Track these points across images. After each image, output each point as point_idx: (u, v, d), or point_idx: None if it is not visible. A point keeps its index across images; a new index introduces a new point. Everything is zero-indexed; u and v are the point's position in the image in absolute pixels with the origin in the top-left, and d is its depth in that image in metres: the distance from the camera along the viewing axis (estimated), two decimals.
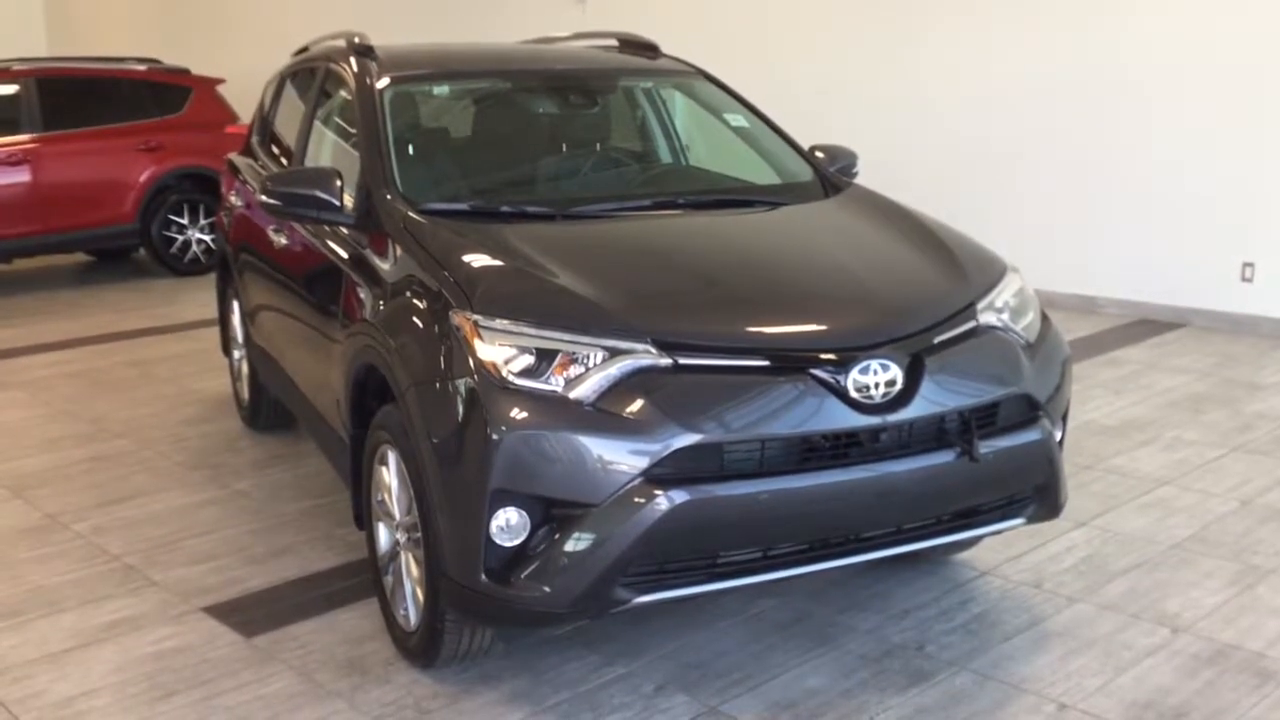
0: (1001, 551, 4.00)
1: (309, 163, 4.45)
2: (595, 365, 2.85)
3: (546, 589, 2.81)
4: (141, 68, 10.00)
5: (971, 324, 3.22)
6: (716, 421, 2.80)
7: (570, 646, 3.41)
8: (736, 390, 2.86)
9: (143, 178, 9.58)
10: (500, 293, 3.06)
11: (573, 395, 2.82)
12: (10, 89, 9.28)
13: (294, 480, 4.89)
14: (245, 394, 5.56)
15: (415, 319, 3.16)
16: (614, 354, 2.87)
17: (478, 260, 3.23)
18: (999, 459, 3.08)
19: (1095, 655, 3.35)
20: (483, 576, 2.86)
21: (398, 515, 3.30)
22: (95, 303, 8.92)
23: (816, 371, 2.90)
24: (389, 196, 3.63)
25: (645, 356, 2.87)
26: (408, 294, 3.25)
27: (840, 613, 3.62)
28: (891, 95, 8.47)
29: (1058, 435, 3.42)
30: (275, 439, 5.45)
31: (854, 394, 2.90)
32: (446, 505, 2.92)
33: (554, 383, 2.84)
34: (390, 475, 3.30)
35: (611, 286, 3.08)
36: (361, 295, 3.56)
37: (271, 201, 3.72)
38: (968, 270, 3.42)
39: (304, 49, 5.27)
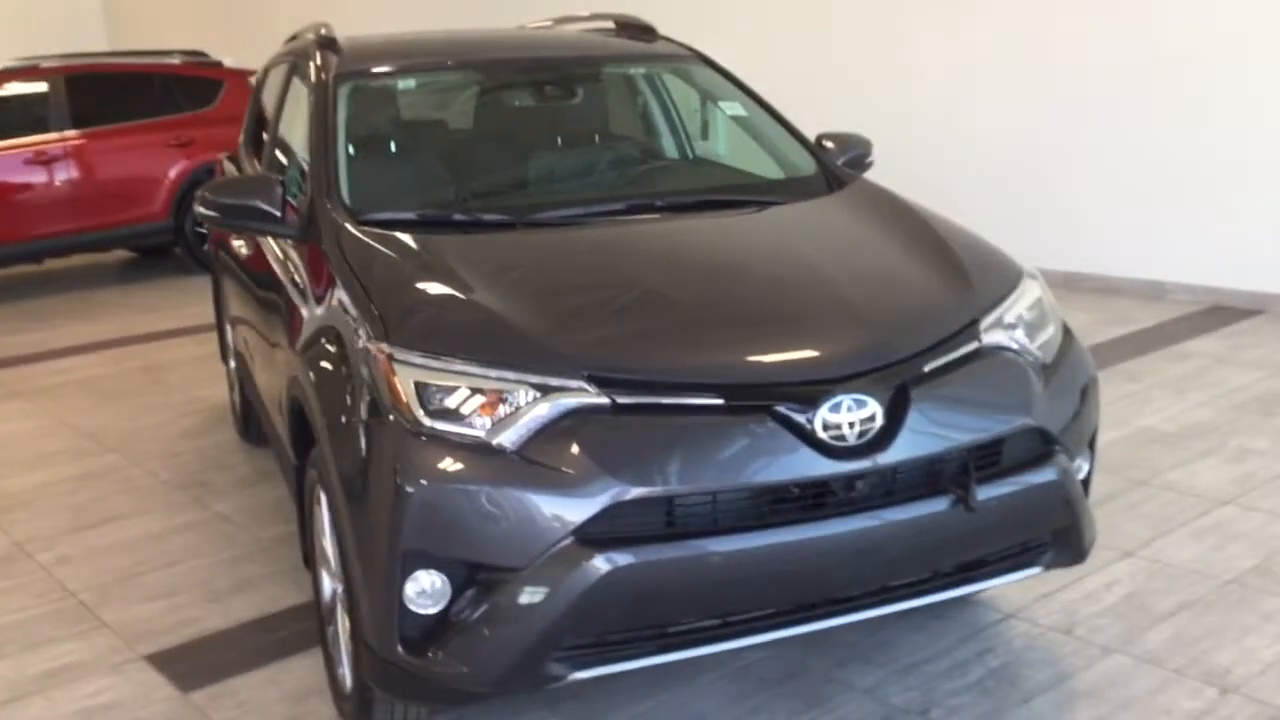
0: (1031, 588, 3.54)
1: (271, 167, 4.12)
2: (524, 406, 2.47)
3: (465, 667, 2.45)
4: (174, 61, 9.81)
5: (973, 345, 2.78)
6: (659, 472, 2.41)
7: (530, 707, 3.05)
8: (684, 434, 2.46)
9: (174, 174, 9.39)
10: (420, 322, 2.70)
11: (496, 441, 2.45)
12: (38, 87, 9.14)
13: (275, 501, 4.59)
14: (237, 404, 5.30)
15: (333, 349, 2.82)
16: (545, 392, 2.49)
17: (403, 282, 2.87)
18: (1004, 505, 2.65)
19: None
20: (399, 648, 2.50)
21: (332, 564, 2.97)
22: (125, 303, 8.77)
23: (780, 409, 2.49)
24: (329, 206, 3.29)
25: (579, 395, 2.49)
26: (330, 320, 2.91)
27: (839, 666, 3.21)
28: (946, 71, 7.92)
29: (1083, 468, 2.97)
30: (266, 453, 5.16)
31: (823, 436, 2.48)
32: (359, 564, 2.58)
33: (476, 426, 2.47)
34: (324, 519, 2.96)
35: (548, 312, 2.70)
36: (295, 317, 3.22)
37: (208, 213, 3.39)
38: (974, 281, 2.98)
39: (293, 38, 4.94)
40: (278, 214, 3.33)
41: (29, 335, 7.78)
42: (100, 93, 9.36)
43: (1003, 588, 3.51)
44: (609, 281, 2.95)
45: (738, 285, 2.91)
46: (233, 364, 5.40)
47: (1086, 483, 3.04)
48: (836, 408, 2.50)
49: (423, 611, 2.47)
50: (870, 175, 3.89)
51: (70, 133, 9.10)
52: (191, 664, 3.41)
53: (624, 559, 2.38)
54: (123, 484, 4.90)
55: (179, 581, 3.95)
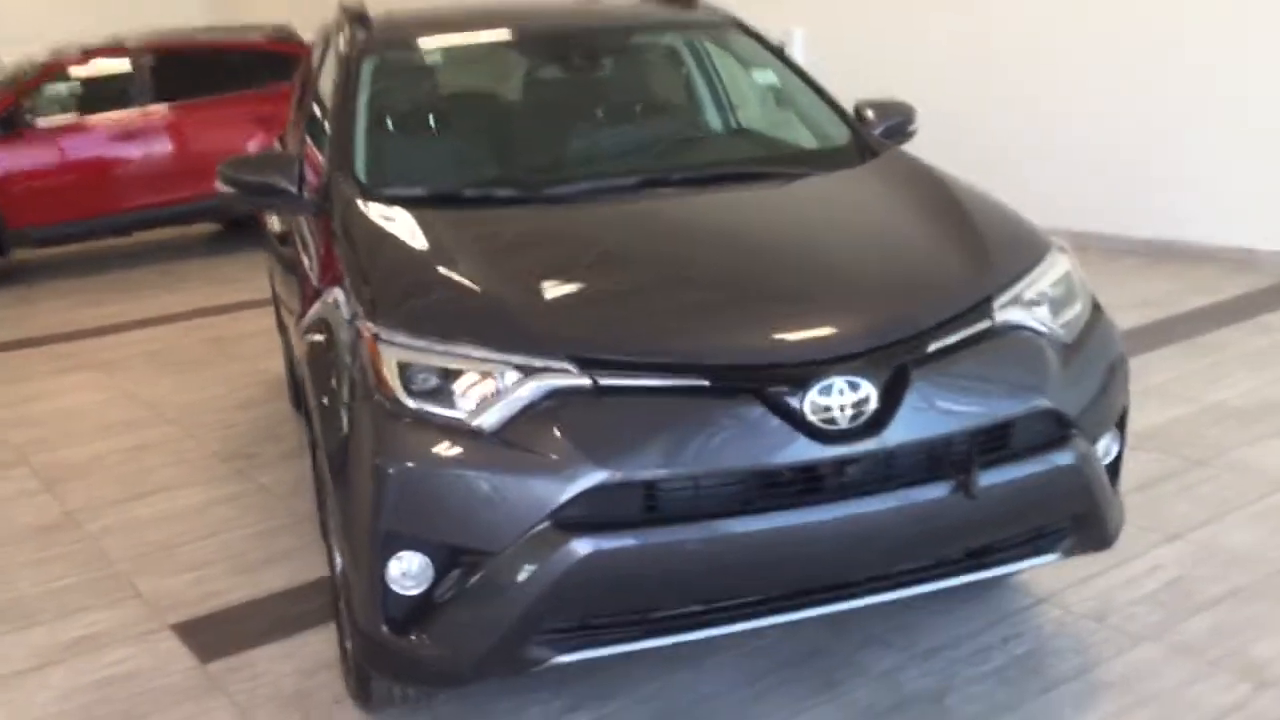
0: (1068, 573, 3.38)
1: (302, 142, 4.13)
2: (506, 387, 2.42)
3: (443, 650, 2.42)
4: (257, 37, 9.94)
5: (985, 324, 2.64)
6: (639, 455, 2.34)
7: (535, 687, 3.01)
8: (667, 416, 2.39)
9: (252, 148, 9.52)
10: (409, 301, 2.66)
11: (477, 423, 2.41)
12: (123, 64, 9.35)
13: None
14: (286, 374, 5.37)
15: (328, 326, 2.80)
16: (528, 373, 2.43)
17: (400, 261, 2.83)
18: (1012, 491, 2.52)
19: (1150, 717, 2.76)
20: (384, 628, 2.49)
21: None
22: (206, 275, 8.94)
23: (767, 392, 2.40)
24: (342, 181, 3.27)
25: (561, 376, 2.42)
26: (328, 296, 2.89)
27: (858, 649, 3.11)
28: (1023, 39, 7.62)
29: (1111, 450, 2.82)
30: None
31: (812, 419, 2.39)
32: (345, 543, 2.56)
33: (459, 408, 2.43)
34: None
35: (539, 292, 2.63)
36: (304, 291, 3.22)
37: (227, 189, 3.40)
38: (993, 256, 2.83)
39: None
40: (294, 190, 3.32)
41: (109, 307, 7.99)
42: (184, 68, 9.55)
43: (1037, 571, 3.36)
44: (610, 259, 2.88)
45: (741, 263, 2.82)
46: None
47: (1116, 465, 2.89)
48: (827, 390, 2.40)
49: (406, 592, 2.45)
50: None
51: (155, 108, 9.30)
52: (214, 635, 3.45)
53: (602, 544, 2.32)
54: (174, 456, 4.99)
55: (213, 554, 4.00)
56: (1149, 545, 3.54)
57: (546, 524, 2.32)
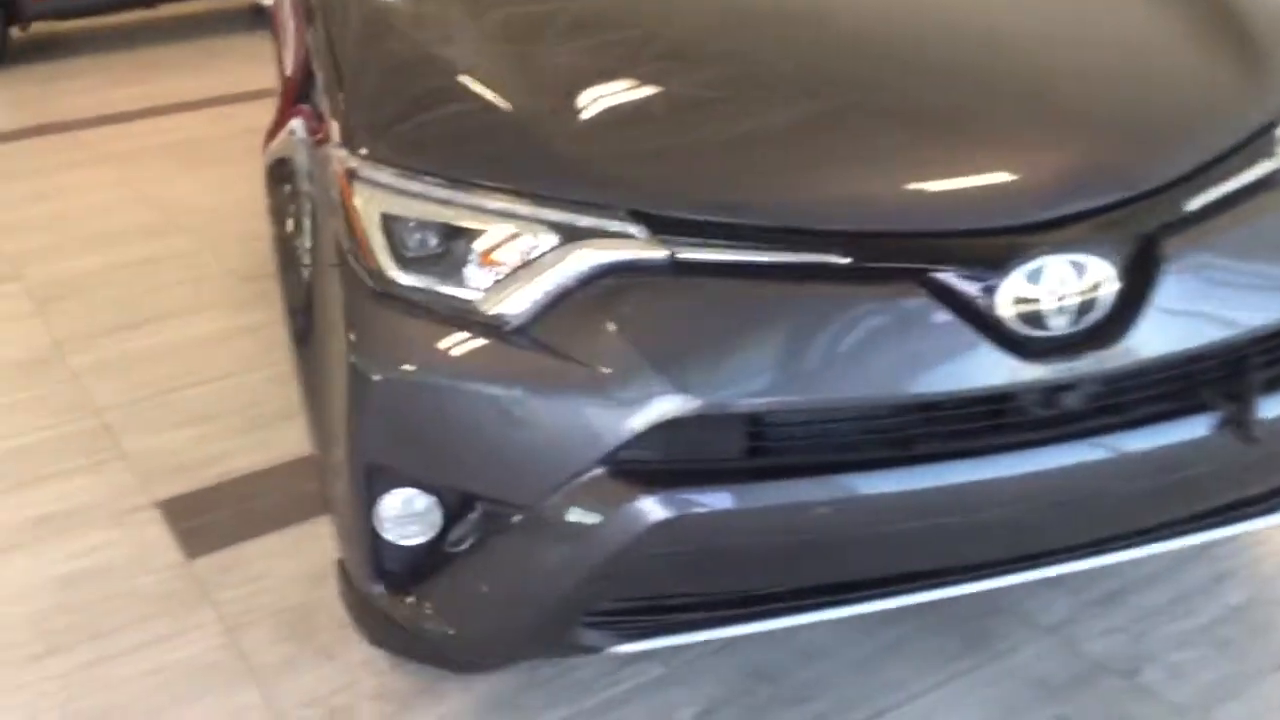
0: None
1: None
2: (538, 256, 1.63)
3: (453, 625, 1.71)
4: None
5: (1267, 166, 1.77)
6: (739, 373, 1.55)
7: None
8: (783, 313, 1.58)
9: None
10: (401, 120, 1.84)
11: (495, 311, 1.62)
12: None
13: None
14: None
15: (292, 152, 2.00)
16: (570, 235, 1.62)
17: (389, 58, 1.98)
18: None
19: None
20: (375, 585, 1.78)
21: None
22: (244, 52, 8.06)
23: (941, 275, 1.58)
24: None
25: (623, 242, 1.61)
26: (298, 110, 2.08)
27: (1027, 596, 2.37)
28: None
29: None
30: None
31: (1011, 321, 1.57)
32: (324, 464, 1.84)
33: (469, 285, 1.64)
34: None
35: (592, 109, 1.79)
36: (281, 97, 2.42)
37: None
38: (1276, 62, 1.93)
39: None
40: None
41: (133, 89, 7.18)
42: None
43: None
44: (700, 58, 1.98)
45: (900, 70, 1.92)
46: None
47: None
48: (1037, 275, 1.57)
49: (403, 541, 1.73)
50: None
51: None
52: (206, 517, 2.82)
53: (682, 507, 1.56)
54: (187, 272, 4.30)
55: (219, 401, 3.34)
56: None
57: (601, 471, 1.57)
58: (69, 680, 2.31)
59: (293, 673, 2.30)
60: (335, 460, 1.74)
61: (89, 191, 5.31)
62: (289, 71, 2.60)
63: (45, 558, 2.69)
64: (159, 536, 2.76)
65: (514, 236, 1.62)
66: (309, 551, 2.65)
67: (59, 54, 8.36)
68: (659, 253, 1.60)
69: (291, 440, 3.08)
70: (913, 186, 1.68)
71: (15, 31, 8.01)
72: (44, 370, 3.60)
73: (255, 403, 3.33)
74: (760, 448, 1.60)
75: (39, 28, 8.40)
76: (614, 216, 1.60)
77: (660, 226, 1.60)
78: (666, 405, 1.52)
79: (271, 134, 2.57)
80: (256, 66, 7.48)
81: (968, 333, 1.55)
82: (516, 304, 1.61)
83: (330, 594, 2.47)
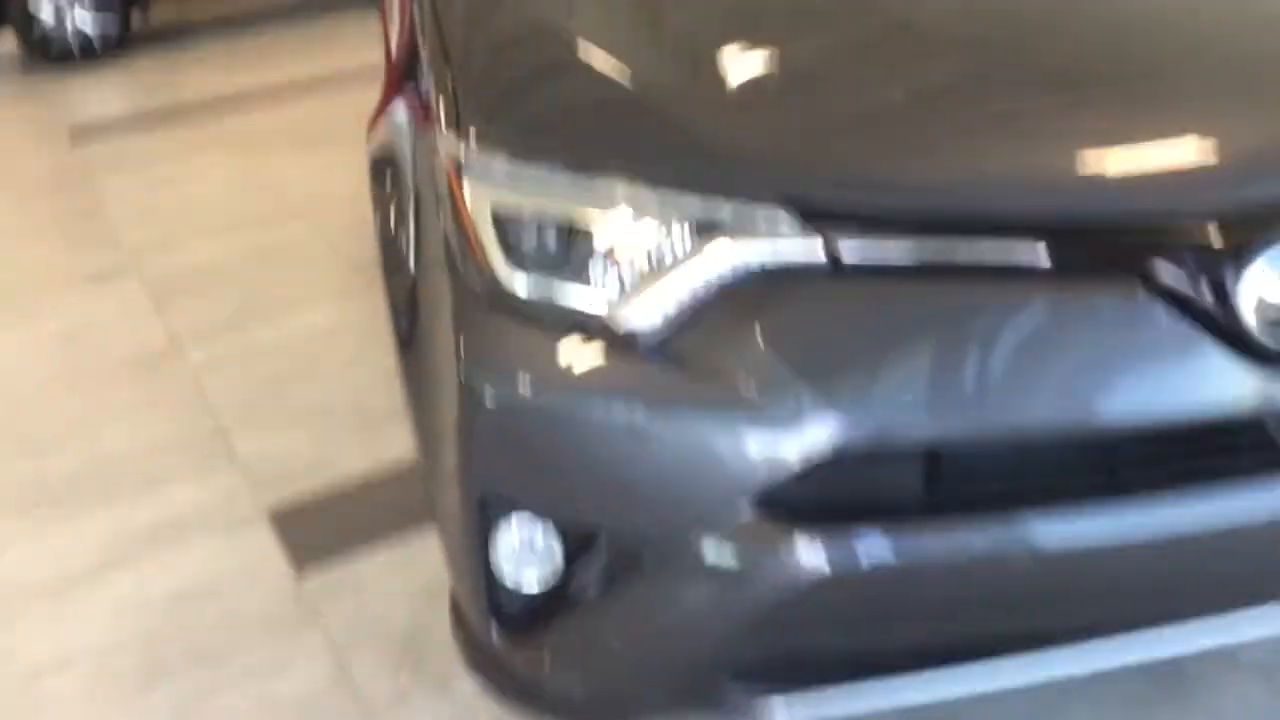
0: None
1: None
2: (673, 258, 1.39)
3: (577, 678, 1.51)
4: None
5: None
6: (916, 398, 1.30)
7: None
8: (971, 324, 1.32)
9: None
10: (516, 101, 1.62)
11: (625, 319, 1.40)
12: None
13: None
14: None
15: (395, 138, 1.81)
16: (710, 230, 1.39)
17: (507, 30, 1.77)
18: None
19: None
20: (491, 629, 1.58)
21: None
22: (366, 29, 7.97)
23: (1161, 274, 1.30)
24: None
25: (774, 240, 1.37)
26: (401, 90, 1.89)
27: None
28: None
29: None
30: None
31: (1252, 323, 1.29)
32: (431, 481, 1.66)
33: (596, 289, 1.42)
34: None
35: (733, 81, 1.54)
36: (385, 80, 2.23)
37: None
38: None
39: None
40: None
41: (254, 73, 7.12)
42: None
43: None
44: (873, 11, 1.71)
45: (1123, 22, 1.61)
46: None
47: None
48: None
49: (520, 587, 1.53)
50: None
51: None
52: (316, 526, 2.70)
53: (851, 554, 1.32)
54: (300, 261, 4.20)
55: (330, 395, 3.22)
56: None
57: (755, 511, 1.33)
58: (179, 711, 2.19)
59: (405, 708, 2.13)
60: (444, 480, 1.55)
61: (205, 177, 5.26)
62: (393, 50, 2.43)
63: (150, 575, 2.60)
64: (266, 549, 2.64)
65: (647, 233, 1.39)
66: (420, 564, 2.50)
67: (181, 39, 8.39)
68: (817, 250, 1.35)
69: (399, 443, 2.93)
70: (1130, 168, 1.39)
71: (136, 19, 8.05)
72: (161, 366, 3.52)
73: (363, 401, 3.20)
74: (941, 483, 1.35)
75: (163, 13, 8.44)
76: (764, 205, 1.36)
77: (819, 220, 1.36)
78: (830, 434, 1.29)
79: (375, 118, 2.39)
80: (377, 42, 7.40)
81: (1203, 338, 1.29)
82: (650, 314, 1.39)
83: (442, 613, 2.30)
